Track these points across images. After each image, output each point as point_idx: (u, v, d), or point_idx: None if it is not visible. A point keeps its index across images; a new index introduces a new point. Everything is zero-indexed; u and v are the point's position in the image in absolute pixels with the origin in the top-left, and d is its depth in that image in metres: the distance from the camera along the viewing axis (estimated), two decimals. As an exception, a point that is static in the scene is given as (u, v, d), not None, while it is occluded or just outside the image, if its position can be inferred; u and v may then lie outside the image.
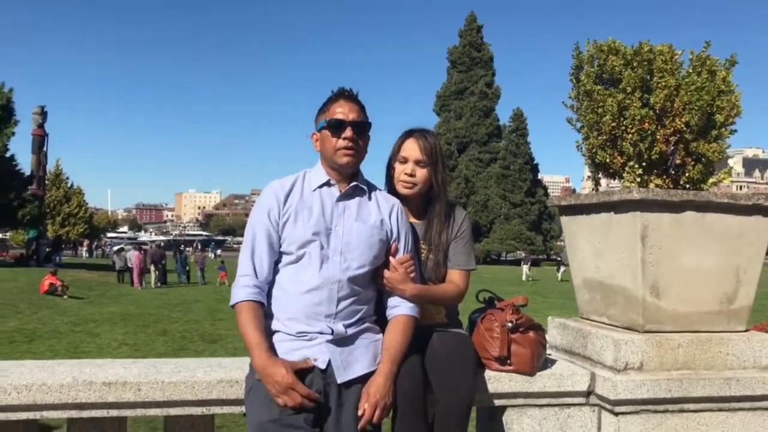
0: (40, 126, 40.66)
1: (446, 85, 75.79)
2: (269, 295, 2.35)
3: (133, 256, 28.53)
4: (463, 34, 75.49)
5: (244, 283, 2.30)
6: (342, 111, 2.37)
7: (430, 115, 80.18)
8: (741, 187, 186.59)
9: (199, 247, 40.12)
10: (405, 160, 2.61)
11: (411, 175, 2.59)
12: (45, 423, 2.43)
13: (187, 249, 41.08)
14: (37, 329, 14.44)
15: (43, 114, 40.96)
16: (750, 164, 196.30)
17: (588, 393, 2.72)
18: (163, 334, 14.20)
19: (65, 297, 20.81)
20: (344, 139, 2.35)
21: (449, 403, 2.35)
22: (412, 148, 2.61)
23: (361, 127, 2.39)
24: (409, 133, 2.66)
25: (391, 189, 2.67)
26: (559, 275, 40.35)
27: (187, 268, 32.69)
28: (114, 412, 2.43)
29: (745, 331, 2.87)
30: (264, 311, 2.31)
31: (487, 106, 74.24)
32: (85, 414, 2.41)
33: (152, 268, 28.69)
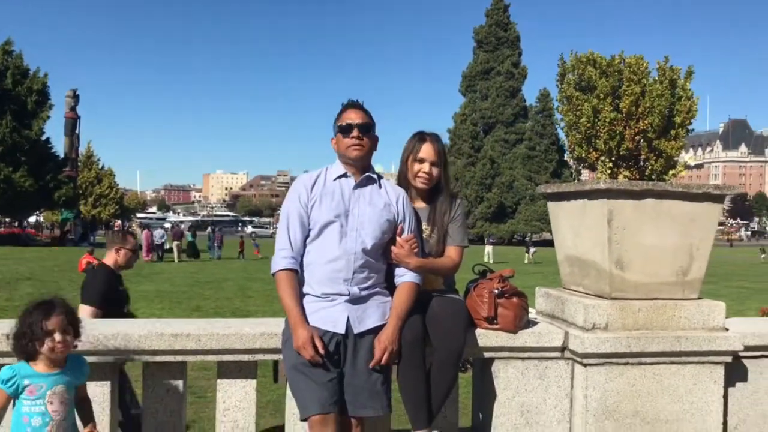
0: (73, 109, 41.66)
1: (472, 65, 75.51)
2: (301, 265, 2.95)
3: (143, 234, 31.72)
4: (490, 13, 75.01)
5: (282, 255, 2.91)
6: (349, 117, 2.97)
7: (455, 95, 79.97)
8: (751, 166, 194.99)
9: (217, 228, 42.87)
10: (422, 161, 3.18)
11: (429, 174, 3.17)
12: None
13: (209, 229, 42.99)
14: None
15: (76, 97, 41.91)
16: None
17: (562, 348, 3.30)
18: (197, 310, 14.98)
19: (102, 275, 21.81)
20: (352, 137, 2.94)
21: (443, 350, 2.95)
22: (428, 151, 3.18)
23: (365, 128, 2.97)
24: (423, 138, 3.22)
25: (404, 181, 3.24)
26: (527, 257, 36.53)
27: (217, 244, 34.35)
28: (179, 358, 3.08)
29: (698, 299, 3.41)
30: (298, 278, 2.91)
31: (513, 86, 73.92)
32: (158, 359, 3.06)
33: (174, 244, 32.15)
